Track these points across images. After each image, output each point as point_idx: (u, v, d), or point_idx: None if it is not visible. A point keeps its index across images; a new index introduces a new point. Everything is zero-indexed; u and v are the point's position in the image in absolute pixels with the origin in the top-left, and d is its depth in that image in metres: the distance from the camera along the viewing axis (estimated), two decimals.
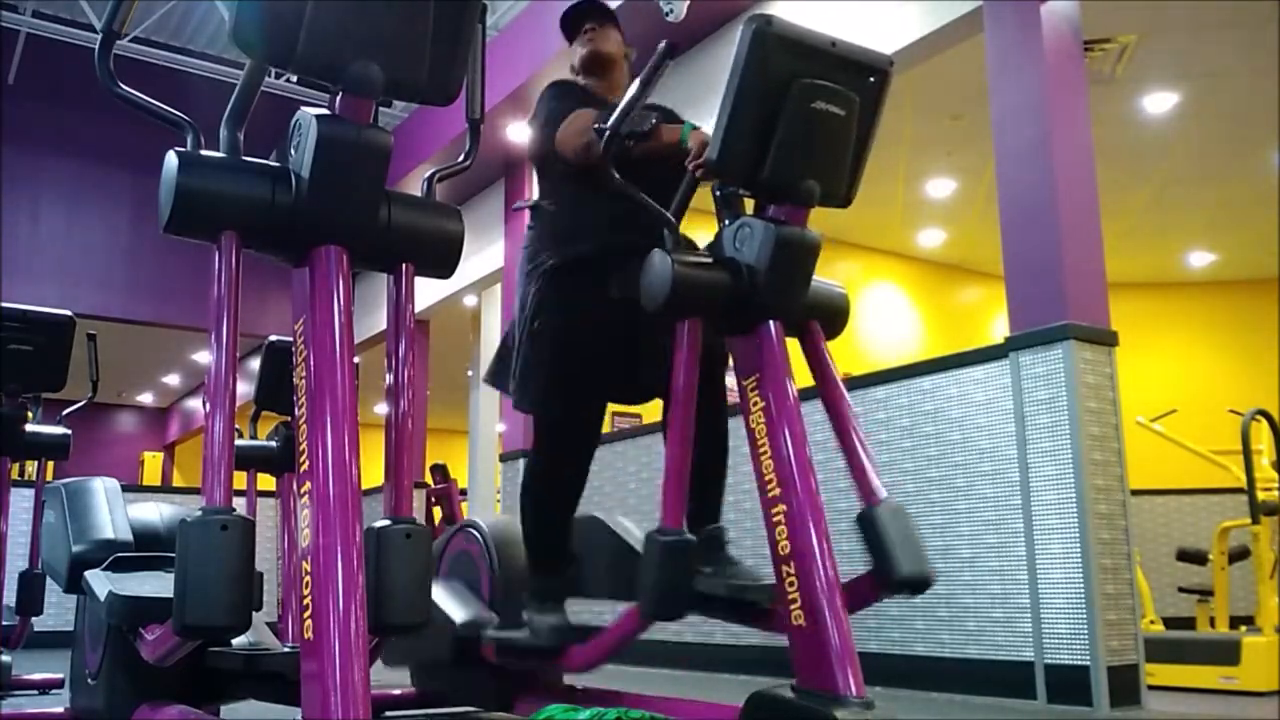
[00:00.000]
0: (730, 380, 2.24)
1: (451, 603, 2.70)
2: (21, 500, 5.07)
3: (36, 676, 3.92)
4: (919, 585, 1.99)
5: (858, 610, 2.03)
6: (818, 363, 2.12)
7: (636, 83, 2.08)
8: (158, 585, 2.16)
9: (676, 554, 1.99)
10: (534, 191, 2.81)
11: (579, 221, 2.55)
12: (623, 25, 2.81)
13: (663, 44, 1.99)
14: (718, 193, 2.13)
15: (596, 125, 2.32)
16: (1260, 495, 4.52)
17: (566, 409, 2.49)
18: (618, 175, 2.13)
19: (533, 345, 2.49)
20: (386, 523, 1.53)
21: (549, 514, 2.55)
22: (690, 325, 2.03)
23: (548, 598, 2.49)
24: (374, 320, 8.72)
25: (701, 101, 4.68)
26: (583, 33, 2.75)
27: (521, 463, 6.47)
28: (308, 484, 1.44)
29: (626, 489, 5.49)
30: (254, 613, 1.50)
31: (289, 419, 3.71)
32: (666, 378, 2.05)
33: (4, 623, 3.70)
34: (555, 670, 2.58)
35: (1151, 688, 3.62)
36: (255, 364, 3.90)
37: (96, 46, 1.60)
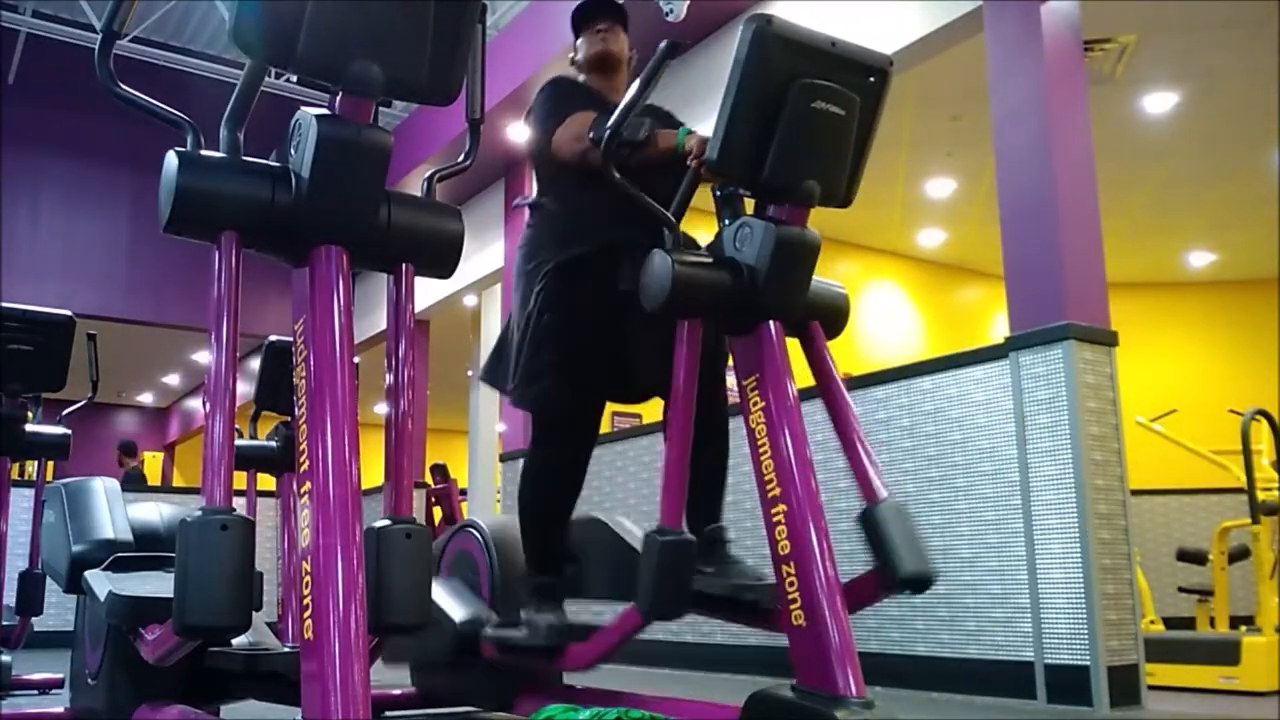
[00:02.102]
0: (730, 380, 2.24)
1: (451, 601, 2.69)
2: (21, 500, 5.06)
3: (36, 676, 3.91)
4: (922, 584, 1.98)
5: (860, 609, 2.03)
6: (819, 363, 2.12)
7: (637, 82, 2.07)
8: (158, 585, 2.16)
9: (676, 553, 1.98)
10: (533, 189, 2.81)
11: (579, 219, 2.55)
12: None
13: (664, 43, 1.98)
14: (718, 193, 2.14)
15: (592, 135, 2.32)
16: (1260, 495, 4.52)
17: (566, 406, 2.48)
18: (618, 176, 2.12)
19: (533, 343, 2.48)
20: (386, 523, 1.53)
21: (547, 512, 2.54)
22: (690, 325, 2.03)
23: (546, 596, 2.48)
24: (374, 320, 8.72)
25: (701, 101, 4.68)
26: (594, 30, 2.74)
27: (521, 463, 6.51)
28: (308, 484, 1.44)
29: (626, 489, 5.49)
30: (254, 613, 1.50)
31: (289, 419, 3.71)
32: (667, 377, 2.05)
33: (4, 623, 3.70)
34: (553, 669, 2.56)
35: (1151, 688, 3.62)
36: (255, 364, 3.90)
37: (96, 46, 1.60)
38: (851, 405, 2.11)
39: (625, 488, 5.50)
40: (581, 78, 2.75)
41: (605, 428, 5.58)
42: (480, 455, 8.47)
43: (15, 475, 4.41)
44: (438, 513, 9.20)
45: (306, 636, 1.38)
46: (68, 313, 3.70)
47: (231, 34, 1.47)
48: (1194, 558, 5.29)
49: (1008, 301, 3.96)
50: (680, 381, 2.02)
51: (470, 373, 9.14)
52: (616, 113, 2.10)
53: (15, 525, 4.31)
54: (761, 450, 1.96)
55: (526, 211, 2.72)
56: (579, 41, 2.77)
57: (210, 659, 2.39)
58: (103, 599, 2.18)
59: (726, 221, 2.09)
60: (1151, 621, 4.96)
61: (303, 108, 1.56)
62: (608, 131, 2.09)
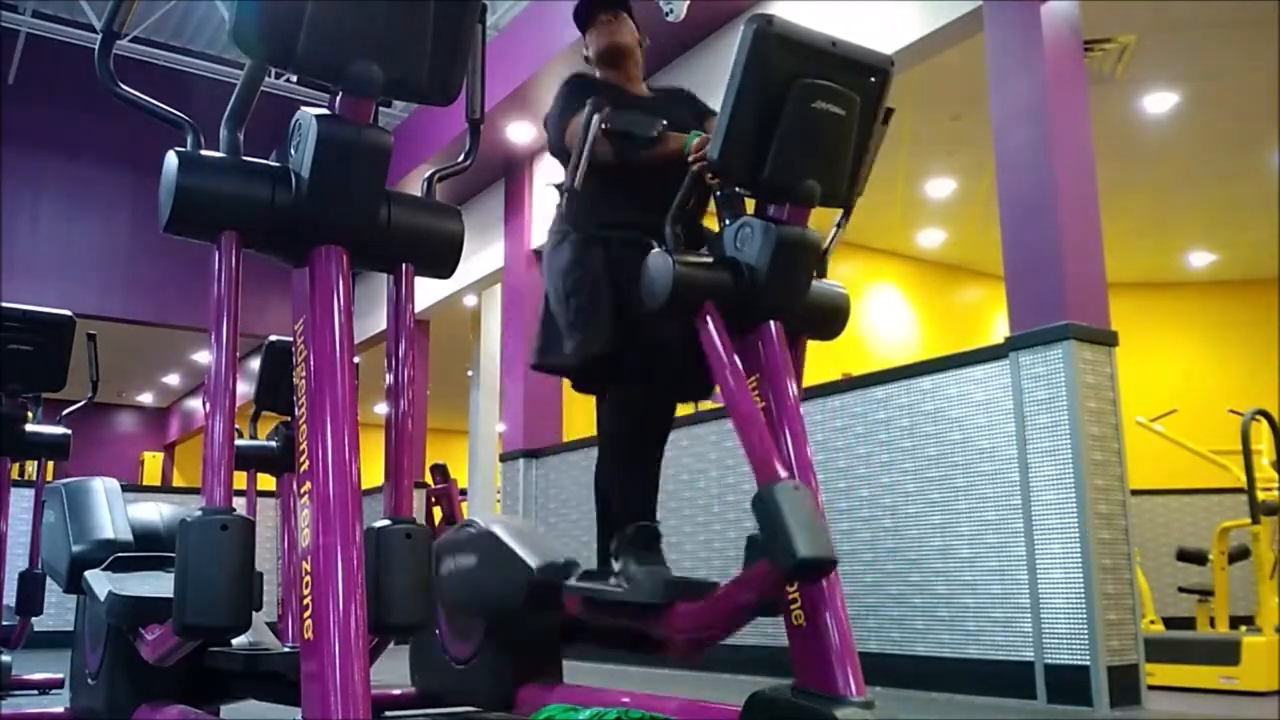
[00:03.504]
0: None
1: (524, 545, 2.46)
2: (21, 500, 5.06)
3: (36, 676, 3.91)
4: (819, 568, 1.80)
5: (766, 599, 1.89)
6: (787, 364, 2.08)
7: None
8: (158, 585, 2.16)
9: (804, 496, 1.81)
10: (538, 182, 2.86)
11: (601, 201, 2.57)
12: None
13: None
14: (718, 193, 2.14)
15: (605, 127, 2.33)
16: (1260, 495, 4.52)
17: (608, 343, 2.44)
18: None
19: (571, 299, 2.50)
20: (386, 523, 1.53)
21: (625, 452, 2.49)
22: (708, 312, 2.01)
23: (645, 545, 2.24)
24: (374, 320, 8.72)
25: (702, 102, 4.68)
26: (599, 23, 2.76)
27: (521, 462, 6.52)
28: (308, 484, 1.45)
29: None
30: (254, 613, 1.50)
31: (289, 419, 3.71)
32: (687, 385, 2.03)
33: (4, 623, 3.70)
34: (660, 636, 2.21)
35: (1151, 688, 3.61)
36: (255, 364, 3.90)
37: (96, 46, 1.60)
38: (799, 407, 2.04)
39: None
40: (597, 73, 2.77)
41: None
42: (480, 455, 8.46)
43: (15, 475, 4.41)
44: (438, 513, 9.19)
45: (306, 636, 1.38)
46: (68, 313, 3.70)
47: (231, 34, 1.47)
48: (1194, 558, 5.28)
49: (1008, 301, 3.96)
50: (720, 354, 1.97)
51: (470, 373, 9.12)
52: (569, 172, 2.13)
53: (15, 525, 4.31)
54: None
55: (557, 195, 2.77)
56: (587, 37, 2.79)
57: (210, 659, 2.40)
58: (103, 599, 2.18)
59: (727, 221, 2.10)
60: (1151, 621, 4.95)
61: (303, 108, 1.56)
62: (565, 188, 2.07)
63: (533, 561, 2.40)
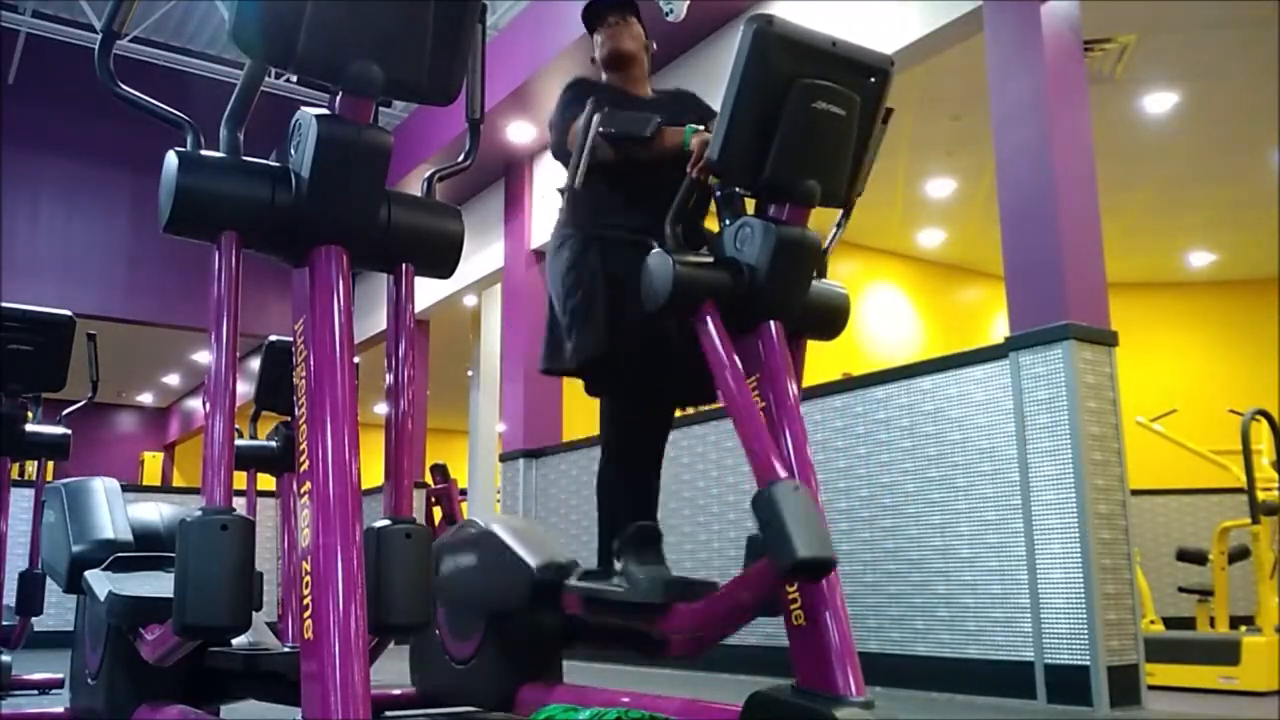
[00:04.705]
0: None
1: (526, 545, 2.48)
2: (21, 500, 5.06)
3: (36, 676, 3.91)
4: (819, 568, 1.79)
5: (766, 599, 1.89)
6: (787, 364, 2.08)
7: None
8: (158, 585, 2.16)
9: (805, 496, 1.81)
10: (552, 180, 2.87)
11: (603, 203, 2.58)
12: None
13: None
14: (718, 193, 2.14)
15: (603, 129, 2.33)
16: (1260, 495, 4.52)
17: (609, 349, 2.45)
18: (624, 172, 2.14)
19: (575, 302, 2.51)
20: (386, 523, 1.53)
21: (627, 452, 2.51)
22: (708, 311, 2.01)
23: (646, 546, 2.26)
24: (374, 320, 8.72)
25: None
26: (605, 25, 2.76)
27: (521, 462, 6.52)
28: (308, 484, 1.45)
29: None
30: (254, 613, 1.50)
31: (289, 419, 3.71)
32: (688, 380, 2.03)
33: (4, 623, 3.70)
34: (658, 635, 2.23)
35: (1151, 688, 3.61)
36: (255, 364, 3.90)
37: (96, 46, 1.60)
38: (799, 407, 2.03)
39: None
40: (603, 76, 2.78)
41: None
42: (480, 455, 8.46)
43: (15, 475, 4.41)
44: (438, 513, 9.20)
45: (306, 636, 1.38)
46: (68, 313, 3.70)
47: (231, 34, 1.47)
48: (1194, 558, 5.29)
49: (1008, 301, 3.96)
50: (721, 358, 1.97)
51: (470, 373, 9.13)
52: (571, 170, 2.12)
53: (15, 525, 4.32)
54: None
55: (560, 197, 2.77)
56: (595, 39, 2.80)
57: (210, 659, 2.40)
58: (103, 599, 2.18)
59: (727, 221, 2.10)
60: (1151, 621, 4.95)
61: (303, 108, 1.56)
62: (565, 190, 2.09)
63: (533, 561, 2.41)
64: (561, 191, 2.72)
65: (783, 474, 1.84)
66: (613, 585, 2.20)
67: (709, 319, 2.00)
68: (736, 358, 1.98)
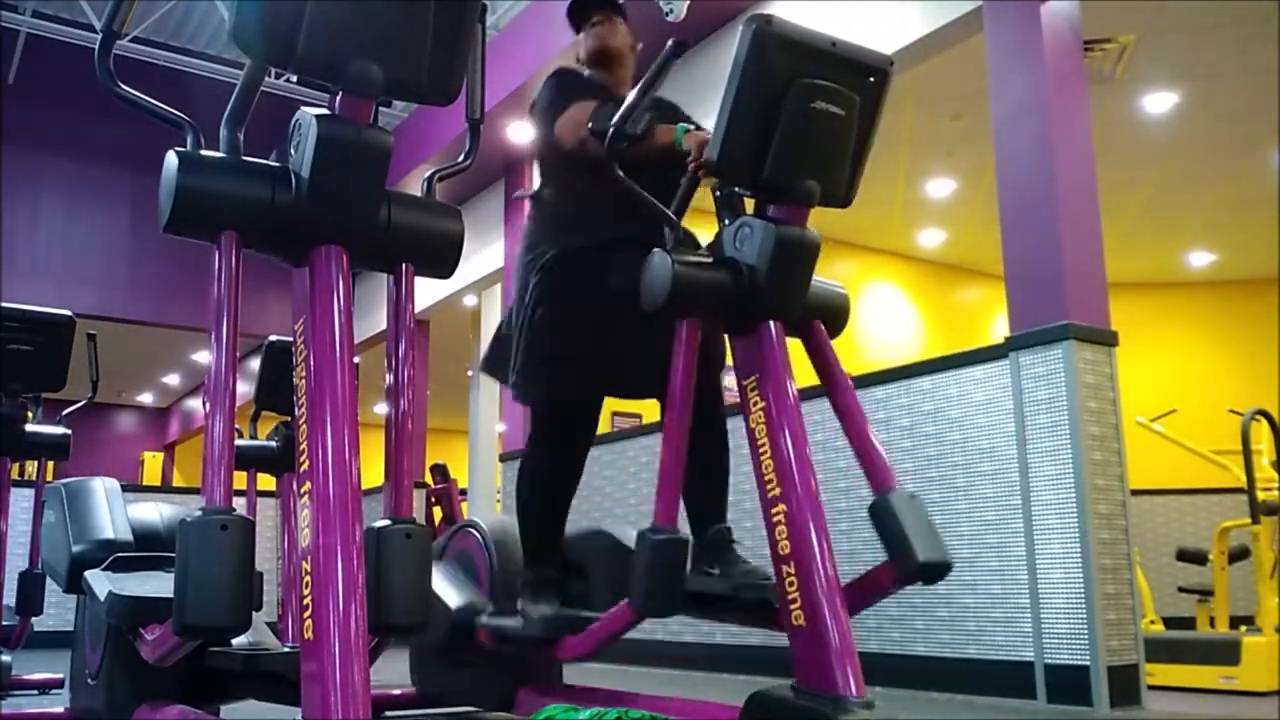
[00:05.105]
0: (730, 380, 2.24)
1: (448, 588, 2.69)
2: (21, 500, 5.06)
3: (36, 676, 3.91)
4: (937, 571, 1.99)
5: (876, 601, 2.10)
6: (822, 361, 2.12)
7: (642, 82, 2.07)
8: (158, 585, 2.16)
9: (668, 551, 1.99)
10: (535, 181, 2.81)
11: (579, 211, 2.54)
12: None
13: (670, 42, 1.99)
14: (718, 193, 2.13)
15: (592, 126, 2.31)
16: (1260, 495, 4.52)
17: (564, 402, 2.48)
18: (621, 173, 2.12)
19: (533, 337, 2.47)
20: (386, 523, 1.53)
21: (546, 506, 2.54)
22: (688, 326, 2.03)
23: (542, 588, 2.48)
24: (374, 320, 8.72)
25: (701, 101, 4.67)
26: (590, 24, 2.73)
27: (521, 458, 6.50)
28: (308, 484, 1.44)
29: (626, 489, 5.49)
30: (254, 613, 1.50)
31: (289, 419, 3.71)
32: (662, 381, 2.04)
33: (4, 623, 3.70)
34: (548, 659, 2.56)
35: (1151, 688, 3.62)
36: (255, 364, 3.90)
37: (96, 46, 1.60)
38: (857, 398, 2.11)
39: (625, 488, 5.50)
40: (587, 72, 2.75)
41: (604, 427, 5.56)
42: (480, 455, 8.47)
43: (15, 475, 4.41)
44: (438, 513, 9.20)
45: (306, 636, 1.38)
46: (68, 313, 3.70)
47: (231, 34, 1.47)
48: (1194, 558, 5.29)
49: (1008, 301, 3.96)
50: (678, 383, 2.02)
51: (470, 373, 9.14)
52: (619, 112, 2.10)
53: (15, 525, 4.31)
54: (761, 450, 1.96)
55: (528, 204, 2.73)
56: (579, 37, 2.77)
57: (210, 659, 2.40)
58: (103, 599, 2.18)
59: (726, 221, 2.09)
60: (1151, 621, 4.95)
61: (303, 108, 1.56)
62: (611, 129, 2.09)
63: (452, 602, 2.63)
64: (532, 198, 2.67)
65: (673, 526, 2.02)
66: (513, 623, 2.45)
67: (689, 333, 2.02)
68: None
